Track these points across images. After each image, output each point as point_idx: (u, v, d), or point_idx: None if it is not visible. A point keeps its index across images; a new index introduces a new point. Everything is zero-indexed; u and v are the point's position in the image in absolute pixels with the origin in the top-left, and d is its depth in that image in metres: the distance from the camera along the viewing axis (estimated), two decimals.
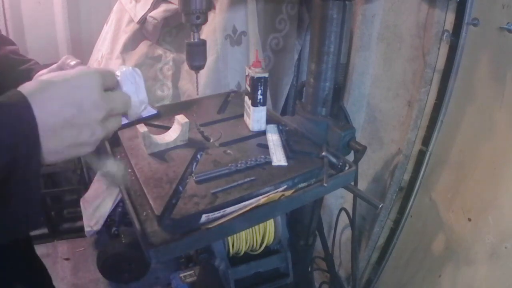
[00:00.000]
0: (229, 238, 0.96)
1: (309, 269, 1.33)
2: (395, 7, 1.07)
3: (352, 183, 0.76)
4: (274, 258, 1.02)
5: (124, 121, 0.80)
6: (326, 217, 1.47)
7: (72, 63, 0.63)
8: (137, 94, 0.57)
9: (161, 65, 1.33)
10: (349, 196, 1.29)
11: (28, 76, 0.61)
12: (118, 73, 0.55)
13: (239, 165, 0.71)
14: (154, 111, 0.93)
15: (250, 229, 0.97)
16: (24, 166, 0.37)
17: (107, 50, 1.39)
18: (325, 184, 0.67)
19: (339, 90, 1.09)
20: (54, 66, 0.64)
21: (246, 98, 0.86)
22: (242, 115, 0.90)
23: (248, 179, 0.68)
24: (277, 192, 0.65)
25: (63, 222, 1.89)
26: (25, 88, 0.39)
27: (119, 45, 1.37)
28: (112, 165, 0.54)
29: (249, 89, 0.83)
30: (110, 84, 0.47)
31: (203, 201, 0.62)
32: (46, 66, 0.65)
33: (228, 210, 0.61)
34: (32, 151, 0.38)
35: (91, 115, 0.42)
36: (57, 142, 0.40)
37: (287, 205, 0.67)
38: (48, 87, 0.40)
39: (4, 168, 0.36)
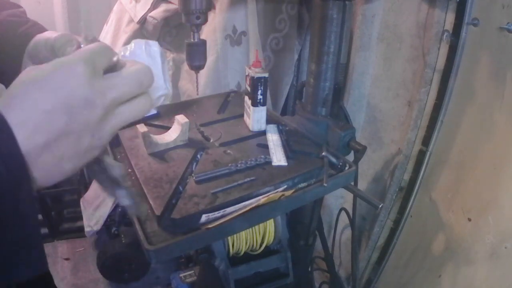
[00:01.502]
0: (229, 238, 0.96)
1: (309, 269, 1.33)
2: (395, 7, 1.07)
3: (352, 183, 0.76)
4: (274, 258, 1.02)
5: None
6: (326, 217, 1.47)
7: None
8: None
9: None
10: (349, 196, 1.29)
11: (26, 42, 0.52)
12: (128, 46, 0.45)
13: (239, 165, 0.71)
14: (154, 111, 0.93)
15: (250, 229, 0.97)
16: (11, 196, 0.30)
17: None
18: (325, 184, 0.67)
19: (339, 90, 1.09)
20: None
21: (246, 98, 0.86)
22: (242, 115, 0.90)
23: (248, 179, 0.68)
24: (277, 192, 0.65)
25: (63, 222, 1.89)
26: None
27: (119, 45, 1.37)
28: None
29: (249, 89, 0.83)
30: (105, 64, 0.36)
31: (203, 201, 0.62)
32: (44, 28, 0.56)
33: (228, 210, 0.61)
34: (18, 177, 0.30)
35: (86, 115, 0.33)
36: (54, 158, 0.33)
37: (287, 205, 0.67)
38: (24, 97, 0.32)
39: None
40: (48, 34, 0.52)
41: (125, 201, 0.42)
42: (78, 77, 0.33)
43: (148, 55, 0.46)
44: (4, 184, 0.29)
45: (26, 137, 0.31)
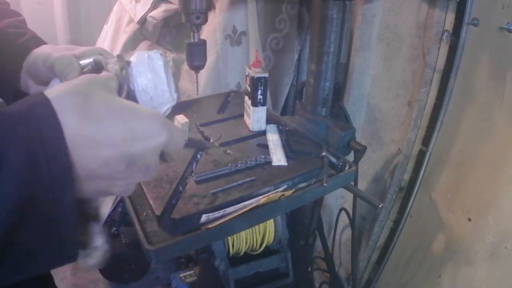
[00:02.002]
0: (229, 238, 0.96)
1: (309, 269, 1.33)
2: (395, 7, 1.07)
3: (352, 183, 0.76)
4: (274, 258, 1.02)
5: None
6: (326, 217, 1.47)
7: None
8: (154, 89, 0.45)
9: None
10: (349, 196, 1.29)
11: (24, 55, 0.51)
12: (131, 59, 0.44)
13: (239, 165, 0.71)
14: None
15: (250, 229, 0.97)
16: (52, 195, 0.28)
17: None
18: (325, 184, 0.67)
19: (339, 90, 1.09)
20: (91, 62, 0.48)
21: (246, 98, 0.86)
22: (242, 115, 0.90)
23: (248, 179, 0.68)
24: (277, 192, 0.65)
25: None
26: (63, 102, 0.29)
27: (119, 45, 1.37)
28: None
29: (249, 89, 0.83)
30: (172, 148, 0.40)
31: (203, 201, 0.62)
32: (43, 41, 0.54)
33: (228, 210, 0.61)
34: (62, 180, 0.28)
35: (134, 177, 0.35)
36: (85, 186, 0.32)
37: (287, 205, 0.67)
38: (107, 118, 0.31)
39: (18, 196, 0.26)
40: (47, 49, 0.50)
41: (99, 240, 0.39)
42: (156, 147, 0.35)
43: (151, 71, 0.44)
44: (45, 184, 0.27)
45: (80, 153, 0.29)
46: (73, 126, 0.29)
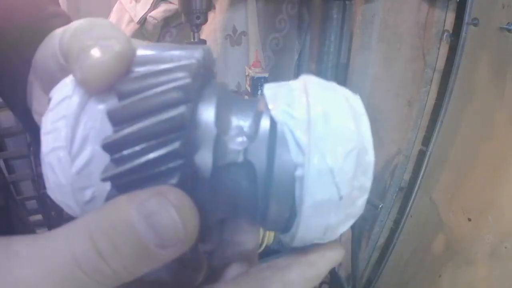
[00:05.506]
0: None
1: None
2: (395, 7, 1.07)
3: None
4: (274, 258, 1.02)
5: None
6: None
7: None
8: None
9: None
10: None
11: (34, 42, 0.28)
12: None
13: None
14: None
15: None
16: None
17: None
18: None
19: None
20: None
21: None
22: None
23: None
24: None
25: (63, 222, 1.88)
26: None
27: None
28: None
29: (249, 89, 0.83)
30: None
31: None
32: (68, 20, 0.31)
33: None
34: None
35: None
36: None
37: None
38: None
39: None
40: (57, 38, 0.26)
41: None
42: None
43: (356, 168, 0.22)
44: None
45: None
46: None
